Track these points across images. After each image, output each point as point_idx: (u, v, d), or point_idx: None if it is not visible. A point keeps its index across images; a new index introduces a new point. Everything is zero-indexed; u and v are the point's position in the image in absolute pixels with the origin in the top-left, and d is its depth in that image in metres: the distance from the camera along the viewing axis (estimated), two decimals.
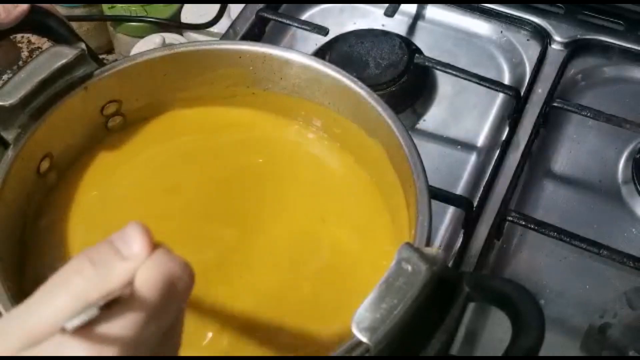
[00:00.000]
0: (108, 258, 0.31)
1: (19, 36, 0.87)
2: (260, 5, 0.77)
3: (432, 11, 0.81)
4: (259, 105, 0.56)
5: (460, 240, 0.63)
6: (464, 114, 0.73)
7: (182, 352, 0.39)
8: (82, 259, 0.31)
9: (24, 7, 0.49)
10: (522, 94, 0.71)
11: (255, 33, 0.77)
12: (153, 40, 0.77)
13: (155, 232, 0.50)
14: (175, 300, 0.32)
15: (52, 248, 0.50)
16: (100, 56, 0.87)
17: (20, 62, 0.84)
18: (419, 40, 0.77)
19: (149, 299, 0.31)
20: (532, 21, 0.78)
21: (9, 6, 0.48)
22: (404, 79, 0.72)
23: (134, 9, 0.82)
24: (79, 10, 0.84)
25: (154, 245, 0.32)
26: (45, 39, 0.85)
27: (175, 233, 0.51)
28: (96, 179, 0.53)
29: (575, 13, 0.77)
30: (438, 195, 0.60)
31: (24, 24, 0.49)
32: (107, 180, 0.53)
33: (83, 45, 0.49)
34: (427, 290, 0.37)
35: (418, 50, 0.74)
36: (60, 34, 0.51)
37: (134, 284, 0.31)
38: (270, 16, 0.77)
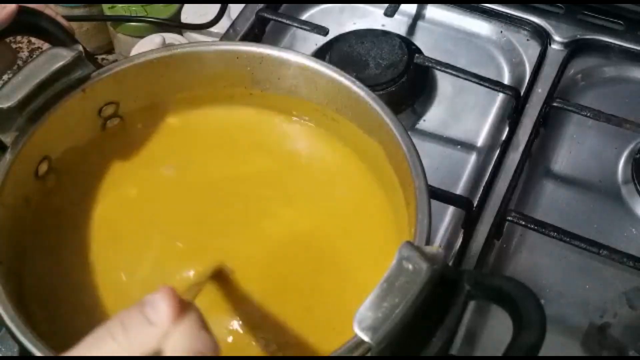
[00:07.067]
0: (138, 323, 0.34)
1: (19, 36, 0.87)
2: (260, 6, 0.77)
3: (432, 11, 0.81)
4: (257, 105, 0.56)
5: (460, 240, 0.63)
6: (463, 113, 0.73)
7: None
8: (115, 322, 0.34)
9: (13, 7, 0.48)
10: (522, 93, 0.71)
11: (255, 33, 0.77)
12: (153, 40, 0.77)
13: (155, 233, 0.51)
14: None
15: (51, 251, 0.50)
16: (101, 56, 0.88)
17: (20, 63, 0.84)
18: (418, 40, 0.77)
19: None
20: (532, 21, 0.77)
21: None
22: (404, 79, 0.72)
23: (134, 9, 0.82)
24: (79, 10, 0.84)
25: (184, 306, 0.34)
26: None
27: (175, 233, 0.51)
28: (94, 180, 0.53)
29: (575, 13, 0.77)
30: (438, 195, 0.60)
31: (17, 27, 0.49)
32: (105, 181, 0.53)
33: (80, 47, 0.49)
34: (428, 288, 0.37)
35: (418, 50, 0.74)
36: (55, 35, 0.51)
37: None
38: (270, 16, 0.77)
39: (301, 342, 0.47)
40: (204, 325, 0.35)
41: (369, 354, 0.38)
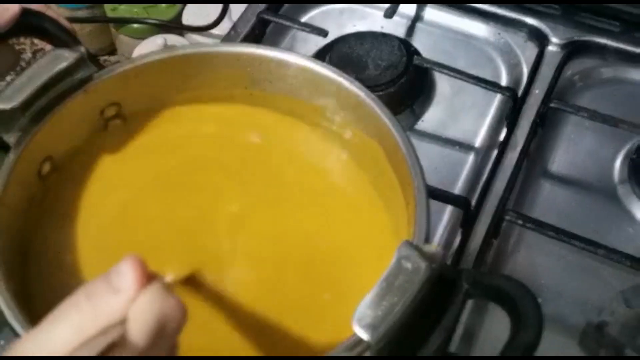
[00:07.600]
0: (102, 292, 0.32)
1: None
2: (261, 7, 0.78)
3: (431, 13, 0.81)
4: (257, 105, 0.56)
5: (458, 239, 0.63)
6: (462, 114, 0.74)
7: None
8: (79, 292, 0.33)
9: (16, 9, 0.49)
10: (519, 94, 0.71)
11: (256, 35, 0.78)
12: (155, 42, 0.77)
13: (154, 233, 0.51)
14: (166, 339, 0.33)
15: (53, 251, 0.50)
16: (103, 57, 0.89)
17: (23, 64, 0.84)
18: (417, 42, 0.77)
19: (139, 342, 0.32)
20: (529, 23, 0.78)
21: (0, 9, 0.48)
22: (403, 80, 0.72)
23: (136, 11, 0.82)
24: (81, 12, 0.84)
25: (150, 277, 0.33)
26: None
27: (174, 233, 0.51)
28: (96, 180, 0.53)
29: (572, 14, 0.78)
30: (436, 194, 0.61)
31: (20, 28, 0.49)
32: (107, 181, 0.53)
33: (82, 48, 0.49)
34: (427, 287, 0.37)
35: (417, 52, 0.75)
36: (57, 36, 0.51)
37: (126, 325, 0.32)
38: (270, 18, 0.77)
39: (294, 343, 0.47)
40: (170, 291, 0.33)
41: (367, 353, 0.38)
